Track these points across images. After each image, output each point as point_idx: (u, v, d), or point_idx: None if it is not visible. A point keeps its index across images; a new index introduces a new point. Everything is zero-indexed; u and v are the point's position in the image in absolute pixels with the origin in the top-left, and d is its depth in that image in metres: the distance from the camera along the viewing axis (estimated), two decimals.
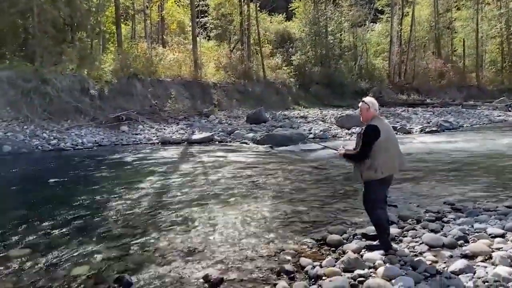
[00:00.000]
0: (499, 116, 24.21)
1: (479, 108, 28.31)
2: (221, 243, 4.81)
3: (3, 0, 18.27)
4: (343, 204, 6.43)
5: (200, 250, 4.59)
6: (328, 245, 4.62)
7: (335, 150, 4.62)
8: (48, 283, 3.87)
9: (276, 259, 4.30)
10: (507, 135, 15.79)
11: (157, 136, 16.14)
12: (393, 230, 4.73)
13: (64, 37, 21.11)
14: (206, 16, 35.11)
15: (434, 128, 17.97)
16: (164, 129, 17.94)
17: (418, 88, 36.17)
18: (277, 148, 13.47)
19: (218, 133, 16.66)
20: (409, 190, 7.24)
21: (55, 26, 19.96)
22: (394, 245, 4.34)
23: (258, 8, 33.01)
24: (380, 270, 3.76)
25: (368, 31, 39.78)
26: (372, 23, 40.98)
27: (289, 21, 39.06)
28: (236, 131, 16.82)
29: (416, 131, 17.58)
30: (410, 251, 4.26)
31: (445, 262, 3.93)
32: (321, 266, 3.98)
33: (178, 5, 34.37)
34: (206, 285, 3.75)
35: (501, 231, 4.60)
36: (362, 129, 4.26)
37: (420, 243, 4.44)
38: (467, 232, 4.70)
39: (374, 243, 4.38)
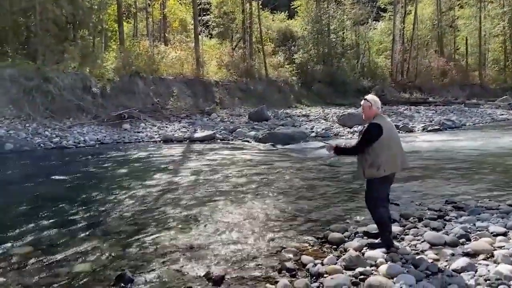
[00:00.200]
0: (502, 114, 24.11)
1: (481, 106, 28.20)
2: (223, 240, 4.81)
3: None
4: (345, 202, 6.42)
5: (201, 248, 4.59)
6: (329, 243, 4.62)
7: (327, 143, 4.60)
8: (50, 279, 3.88)
9: (277, 256, 4.30)
10: (509, 133, 15.73)
11: (159, 134, 16.15)
12: (395, 228, 4.72)
13: (66, 35, 21.13)
14: (208, 14, 35.10)
15: (436, 127, 17.91)
16: (166, 127, 17.95)
17: (420, 86, 36.10)
18: (279, 147, 13.47)
19: (220, 131, 16.67)
20: (411, 188, 7.23)
21: (57, 24, 19.98)
22: (396, 243, 4.34)
23: (260, 6, 32.98)
24: (382, 268, 3.76)
25: (370, 29, 39.74)
26: (374, 21, 40.92)
27: (291, 19, 39.01)
28: (238, 130, 16.82)
29: (418, 130, 17.54)
30: (411, 249, 4.26)
31: (447, 260, 3.93)
32: (322, 264, 3.98)
33: (180, 3, 34.38)
34: (207, 282, 3.76)
35: (503, 230, 4.59)
36: (364, 127, 4.25)
37: (422, 241, 4.43)
38: (469, 230, 4.69)
39: (376, 241, 4.38)
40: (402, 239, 4.60)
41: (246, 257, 4.30)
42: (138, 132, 16.51)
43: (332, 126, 18.31)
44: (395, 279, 3.51)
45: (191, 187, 7.67)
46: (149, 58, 23.48)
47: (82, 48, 20.67)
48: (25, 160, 11.37)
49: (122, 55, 21.83)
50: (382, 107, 4.33)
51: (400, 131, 16.05)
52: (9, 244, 4.77)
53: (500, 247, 4.08)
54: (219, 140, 15.24)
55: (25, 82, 16.73)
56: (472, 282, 3.43)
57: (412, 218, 5.37)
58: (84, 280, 3.88)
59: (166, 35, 30.73)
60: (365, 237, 4.66)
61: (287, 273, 3.87)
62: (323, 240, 4.74)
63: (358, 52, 37.42)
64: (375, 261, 3.92)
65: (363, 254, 4.14)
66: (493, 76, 41.61)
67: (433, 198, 6.50)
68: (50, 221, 5.62)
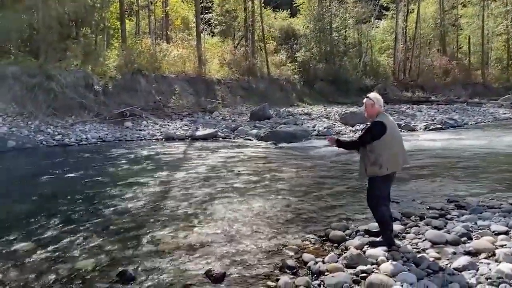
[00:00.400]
0: (504, 113, 24.01)
1: (484, 105, 28.09)
2: (224, 238, 4.81)
3: None
4: (346, 201, 6.42)
5: (202, 245, 4.60)
6: (330, 241, 4.62)
7: (329, 136, 4.62)
8: (52, 276, 3.89)
9: (278, 254, 4.31)
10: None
11: (161, 132, 16.17)
12: (396, 227, 4.72)
13: (69, 33, 21.16)
14: (210, 12, 35.05)
15: (438, 126, 17.86)
16: (168, 125, 17.96)
17: (423, 85, 36.02)
18: (281, 145, 13.47)
19: (222, 130, 16.67)
20: (412, 187, 7.22)
21: (59, 22, 19.99)
22: (397, 242, 4.34)
23: (263, 4, 32.93)
24: (383, 266, 3.75)
25: (373, 27, 39.61)
26: (377, 20, 40.78)
27: (293, 17, 38.92)
28: (239, 128, 16.81)
29: (420, 129, 17.50)
30: (413, 248, 4.25)
31: (448, 259, 3.92)
32: (323, 262, 3.98)
33: (182, 1, 34.38)
34: (208, 280, 3.76)
35: (505, 228, 4.58)
36: (366, 124, 4.24)
37: (423, 240, 4.43)
38: (470, 229, 4.68)
39: (377, 239, 4.38)
40: (404, 237, 4.60)
41: (247, 255, 4.30)
42: (140, 130, 16.54)
43: (334, 124, 18.30)
44: (396, 277, 3.50)
45: (193, 185, 7.68)
46: (151, 56, 23.49)
47: (85, 46, 20.70)
48: (27, 157, 11.41)
49: (124, 53, 21.83)
50: (384, 106, 4.33)
51: (402, 130, 16.01)
52: (11, 241, 4.78)
53: (502, 246, 4.07)
54: (221, 139, 15.25)
55: (27, 79, 16.77)
56: (473, 280, 3.42)
57: (413, 216, 5.36)
58: (85, 276, 3.89)
59: (168, 33, 30.75)
60: (366, 236, 4.66)
61: (288, 271, 3.88)
62: (324, 238, 4.74)
63: (360, 50, 37.33)
64: (376, 260, 3.92)
65: (364, 252, 4.14)
66: (496, 75, 41.47)
67: (434, 197, 6.49)
68: (52, 218, 5.64)
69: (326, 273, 3.75)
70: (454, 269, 3.65)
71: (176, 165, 9.95)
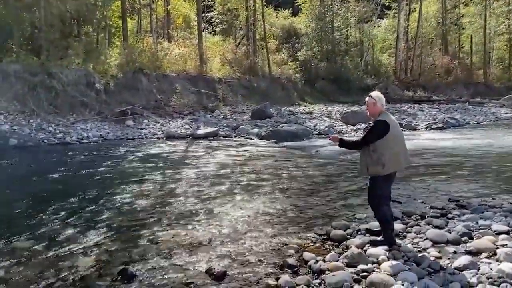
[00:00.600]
0: (506, 113, 23.97)
1: (485, 105, 28.04)
2: (225, 236, 4.82)
3: None
4: (347, 200, 6.43)
5: (203, 244, 4.61)
6: (331, 240, 4.62)
7: (332, 135, 4.60)
8: (53, 274, 3.90)
9: (279, 253, 4.32)
10: None
11: (162, 131, 16.17)
12: (397, 226, 4.72)
13: (71, 31, 21.17)
14: (212, 11, 35.02)
15: (440, 125, 17.85)
16: (169, 123, 17.96)
17: (424, 84, 35.93)
18: (282, 144, 13.47)
19: (223, 128, 16.67)
20: (414, 186, 7.22)
21: (61, 20, 20.01)
22: (398, 241, 4.34)
23: (264, 3, 32.87)
24: (384, 265, 3.76)
25: (374, 27, 39.51)
26: (378, 19, 40.69)
27: (295, 16, 38.88)
28: (241, 127, 16.81)
29: (422, 128, 17.48)
30: (414, 247, 4.26)
31: (449, 258, 3.92)
32: (324, 261, 3.99)
33: None
34: (209, 278, 3.77)
35: (506, 228, 4.58)
36: (369, 123, 4.23)
37: (424, 239, 4.43)
38: (471, 228, 4.68)
39: (378, 238, 4.38)
40: (405, 236, 4.60)
41: (248, 253, 4.31)
42: (141, 129, 16.54)
43: (336, 123, 18.29)
44: (397, 276, 3.51)
45: (194, 184, 7.69)
46: (152, 54, 23.47)
47: (86, 44, 20.71)
48: (29, 155, 11.42)
49: (126, 52, 21.82)
50: (385, 105, 4.32)
51: (404, 129, 15.99)
52: (12, 239, 4.80)
53: (503, 246, 4.07)
54: (222, 137, 15.25)
55: (29, 77, 16.78)
56: (474, 280, 3.42)
57: (414, 216, 5.36)
58: (87, 274, 3.90)
59: (170, 31, 30.71)
60: (367, 235, 4.67)
61: (288, 270, 3.88)
62: (325, 237, 4.74)
63: (362, 49, 37.25)
64: (377, 259, 3.92)
65: (365, 251, 4.14)
66: (498, 74, 41.39)
67: (435, 196, 6.49)
68: (53, 216, 5.65)
69: (326, 272, 3.76)
70: (455, 268, 3.65)
71: (177, 164, 9.95)
